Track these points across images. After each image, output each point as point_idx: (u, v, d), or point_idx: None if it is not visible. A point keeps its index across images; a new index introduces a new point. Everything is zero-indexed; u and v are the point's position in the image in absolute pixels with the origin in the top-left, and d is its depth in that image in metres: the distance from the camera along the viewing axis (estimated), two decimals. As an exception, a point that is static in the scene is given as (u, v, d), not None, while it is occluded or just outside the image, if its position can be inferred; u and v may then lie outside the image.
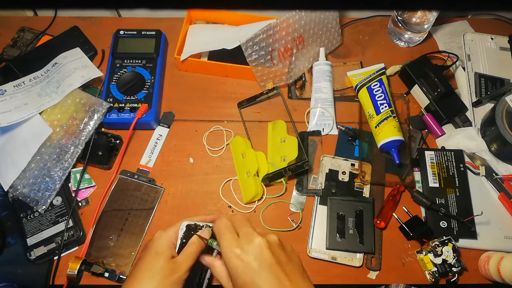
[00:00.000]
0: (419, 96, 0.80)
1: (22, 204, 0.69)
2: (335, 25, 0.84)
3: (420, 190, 0.72)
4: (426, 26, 0.83)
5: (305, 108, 0.80)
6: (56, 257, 0.66)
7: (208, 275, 0.56)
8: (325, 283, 0.67)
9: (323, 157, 0.75)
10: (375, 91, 0.76)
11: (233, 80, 0.84)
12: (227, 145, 0.77)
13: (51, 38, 0.86)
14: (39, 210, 0.68)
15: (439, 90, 0.76)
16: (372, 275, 0.67)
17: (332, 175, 0.73)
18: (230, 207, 0.72)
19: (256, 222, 0.70)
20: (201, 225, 0.54)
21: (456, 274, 0.64)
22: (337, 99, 0.81)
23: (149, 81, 0.78)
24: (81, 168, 0.72)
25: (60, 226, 0.68)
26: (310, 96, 0.81)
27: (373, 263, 0.67)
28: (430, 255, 0.65)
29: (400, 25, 0.84)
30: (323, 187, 0.72)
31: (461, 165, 0.73)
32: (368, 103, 0.76)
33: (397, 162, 0.71)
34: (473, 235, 0.68)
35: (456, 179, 0.72)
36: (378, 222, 0.68)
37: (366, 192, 0.72)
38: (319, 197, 0.71)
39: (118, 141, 0.75)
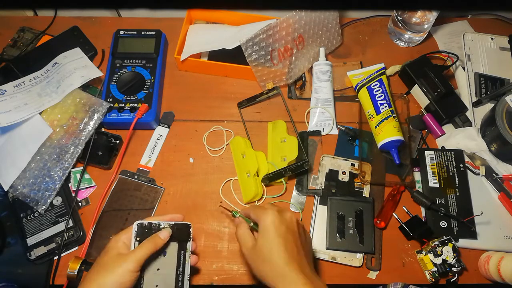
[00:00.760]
0: (419, 96, 0.80)
1: (22, 204, 0.69)
2: (335, 25, 0.84)
3: (420, 190, 0.72)
4: (426, 26, 0.83)
5: (305, 108, 0.80)
6: (56, 257, 0.66)
7: (187, 277, 0.54)
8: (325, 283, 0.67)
9: (323, 157, 0.75)
10: (375, 91, 0.76)
11: (233, 80, 0.84)
12: (227, 145, 0.77)
13: (51, 38, 0.86)
14: (39, 210, 0.68)
15: (439, 90, 0.76)
16: (372, 275, 0.67)
17: (332, 175, 0.73)
18: (221, 202, 0.72)
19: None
20: (156, 223, 0.53)
21: (456, 274, 0.64)
22: (337, 99, 0.81)
23: (149, 81, 0.78)
24: (81, 168, 0.72)
25: (60, 226, 0.68)
26: (310, 96, 0.81)
27: (373, 263, 0.67)
28: (430, 255, 0.65)
29: (400, 25, 0.84)
30: (323, 187, 0.72)
31: (461, 165, 0.73)
32: (368, 103, 0.76)
33: (397, 162, 0.71)
34: (473, 235, 0.68)
35: (456, 179, 0.72)
36: (378, 222, 0.68)
37: (366, 192, 0.72)
38: (319, 197, 0.71)
39: (118, 141, 0.75)
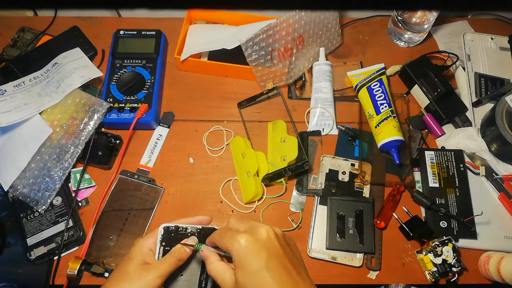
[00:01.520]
0: (419, 96, 0.80)
1: (22, 204, 0.69)
2: (335, 25, 0.84)
3: (420, 190, 0.72)
4: (426, 26, 0.83)
5: (305, 108, 0.80)
6: (56, 257, 0.66)
7: (210, 284, 0.51)
8: (325, 283, 0.67)
9: (323, 157, 0.75)
10: (375, 91, 0.76)
11: (233, 80, 0.84)
12: (227, 145, 0.77)
13: (51, 38, 0.86)
14: (39, 210, 0.68)
15: (439, 90, 0.76)
16: (372, 275, 0.67)
17: (332, 175, 0.73)
18: (221, 202, 0.72)
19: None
20: (183, 227, 0.50)
21: (456, 274, 0.64)
22: (337, 99, 0.81)
23: (149, 81, 0.78)
24: (81, 168, 0.72)
25: (60, 226, 0.68)
26: (310, 96, 0.81)
27: (373, 263, 0.67)
28: (430, 255, 0.65)
29: (400, 25, 0.84)
30: (323, 187, 0.72)
31: (461, 165, 0.73)
32: (368, 103, 0.76)
33: (397, 162, 0.71)
34: (473, 235, 0.68)
35: (456, 179, 0.72)
36: (378, 222, 0.68)
37: (366, 192, 0.72)
38: (319, 197, 0.71)
39: (118, 141, 0.75)
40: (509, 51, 0.86)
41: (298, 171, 0.69)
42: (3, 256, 0.67)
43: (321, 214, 0.70)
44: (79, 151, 0.72)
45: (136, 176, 0.73)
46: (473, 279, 0.67)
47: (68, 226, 0.67)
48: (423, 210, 0.71)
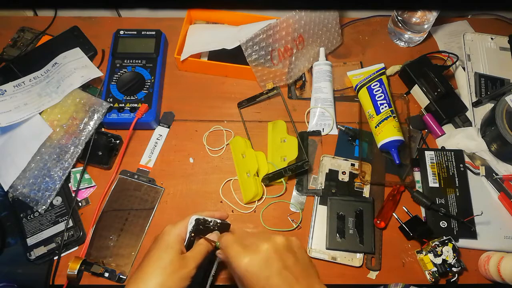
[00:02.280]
0: (419, 96, 0.80)
1: (22, 204, 0.69)
2: (335, 25, 0.84)
3: (420, 190, 0.72)
4: (426, 26, 0.83)
5: (305, 108, 0.80)
6: (56, 257, 0.66)
7: (212, 273, 0.55)
8: (325, 283, 0.66)
9: (323, 157, 0.75)
10: (375, 91, 0.76)
11: (233, 80, 0.84)
12: (227, 145, 0.77)
13: (51, 38, 0.86)
14: (39, 210, 0.68)
15: (439, 90, 0.76)
16: (372, 275, 0.67)
17: (332, 175, 0.73)
18: (221, 202, 0.72)
19: (256, 222, 0.70)
20: (209, 220, 0.53)
21: (456, 274, 0.64)
22: (337, 99, 0.81)
23: (149, 81, 0.78)
24: (81, 168, 0.72)
25: (60, 226, 0.68)
26: (310, 96, 0.81)
27: (373, 263, 0.67)
28: (430, 255, 0.65)
29: (400, 25, 0.84)
30: (323, 187, 0.72)
31: (461, 165, 0.73)
32: (368, 103, 0.76)
33: (397, 162, 0.71)
34: (473, 235, 0.68)
35: (456, 179, 0.72)
36: (378, 222, 0.68)
37: (366, 192, 0.72)
38: (319, 197, 0.71)
39: (118, 141, 0.75)
40: (509, 51, 0.86)
41: (298, 171, 0.69)
42: (3, 256, 0.67)
43: (321, 214, 0.70)
44: (79, 151, 0.72)
45: (136, 176, 0.73)
46: (473, 279, 0.67)
47: (68, 226, 0.67)
48: (423, 210, 0.71)
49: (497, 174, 0.73)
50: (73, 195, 0.71)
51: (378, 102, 0.75)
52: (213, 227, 0.54)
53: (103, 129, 0.77)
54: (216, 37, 0.82)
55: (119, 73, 0.78)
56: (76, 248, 0.68)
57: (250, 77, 0.81)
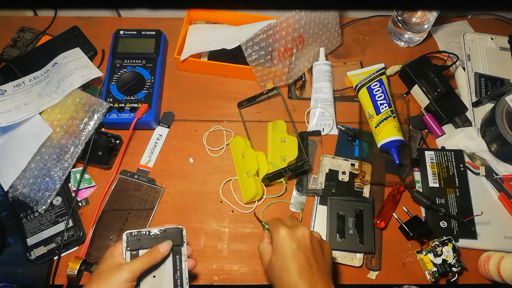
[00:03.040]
0: (419, 96, 0.80)
1: (22, 204, 0.69)
2: (335, 25, 0.84)
3: (420, 190, 0.72)
4: (426, 26, 0.83)
5: (305, 108, 0.80)
6: (56, 257, 0.66)
7: (186, 281, 0.54)
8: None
9: (323, 157, 0.75)
10: (375, 91, 0.76)
11: (233, 80, 0.84)
12: (227, 145, 0.77)
13: (51, 38, 0.86)
14: (39, 210, 0.68)
15: (439, 90, 0.76)
16: (372, 275, 0.67)
17: (332, 175, 0.73)
18: (221, 202, 0.72)
19: (256, 222, 0.70)
20: (146, 231, 0.53)
21: (456, 274, 0.64)
22: (337, 99, 0.81)
23: (149, 81, 0.78)
24: (81, 168, 0.72)
25: (60, 226, 0.68)
26: (310, 96, 0.81)
27: (373, 263, 0.67)
28: (430, 255, 0.65)
29: (400, 25, 0.84)
30: (323, 187, 0.72)
31: (461, 165, 0.73)
32: (368, 103, 0.76)
33: (397, 162, 0.71)
34: (473, 235, 0.68)
35: (456, 179, 0.72)
36: (378, 222, 0.68)
37: (366, 192, 0.72)
38: (319, 197, 0.71)
39: (118, 141, 0.75)
40: (509, 51, 0.86)
41: (298, 171, 0.69)
42: (3, 256, 0.67)
43: (321, 214, 0.70)
44: (79, 151, 0.72)
45: (136, 176, 0.73)
46: (473, 279, 0.67)
47: (68, 226, 0.67)
48: (423, 210, 0.71)
49: (497, 174, 0.73)
50: (73, 195, 0.71)
51: (378, 102, 0.75)
52: (155, 236, 0.53)
53: (103, 129, 0.77)
54: (216, 37, 0.82)
55: (119, 73, 0.78)
56: (76, 248, 0.68)
57: (250, 77, 0.81)
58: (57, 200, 0.69)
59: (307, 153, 0.73)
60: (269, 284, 0.54)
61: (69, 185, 0.72)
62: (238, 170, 0.74)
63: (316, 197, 0.71)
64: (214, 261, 0.68)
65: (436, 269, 0.64)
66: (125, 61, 0.80)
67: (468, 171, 0.73)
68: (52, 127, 0.71)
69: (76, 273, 0.62)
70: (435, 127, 0.77)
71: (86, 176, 0.73)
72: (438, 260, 0.64)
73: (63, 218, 0.68)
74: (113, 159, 0.74)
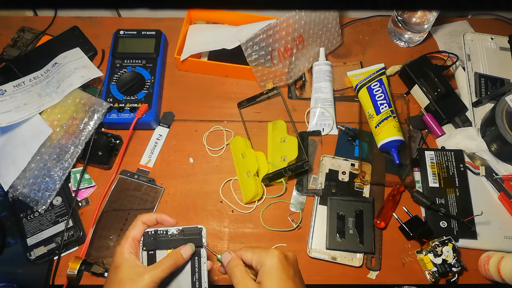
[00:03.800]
0: (419, 96, 0.80)
1: (22, 204, 0.69)
2: (335, 25, 0.84)
3: (420, 190, 0.72)
4: (426, 26, 0.83)
5: (305, 108, 0.80)
6: (56, 257, 0.66)
7: (205, 284, 0.50)
8: (325, 283, 0.67)
9: (323, 157, 0.75)
10: (375, 91, 0.76)
11: (233, 80, 0.84)
12: (227, 145, 0.77)
13: (51, 38, 0.86)
14: (39, 210, 0.68)
15: (439, 90, 0.76)
16: (372, 275, 0.67)
17: (332, 175, 0.73)
18: (221, 202, 0.72)
19: (256, 222, 0.70)
20: (163, 230, 0.50)
21: (456, 274, 0.64)
22: (337, 99, 0.81)
23: (149, 81, 0.78)
24: (81, 168, 0.72)
25: (60, 226, 0.68)
26: (310, 96, 0.81)
27: (373, 263, 0.67)
28: (430, 255, 0.65)
29: (400, 25, 0.84)
30: (323, 187, 0.72)
31: (461, 165, 0.73)
32: (368, 103, 0.76)
33: (397, 162, 0.71)
34: (473, 235, 0.68)
35: (456, 179, 0.72)
36: (378, 222, 0.68)
37: (366, 192, 0.72)
38: (319, 197, 0.71)
39: (118, 141, 0.75)
40: (509, 51, 0.86)
41: (298, 171, 0.69)
42: (3, 256, 0.67)
43: (321, 214, 0.70)
44: (79, 151, 0.72)
45: (136, 176, 0.73)
46: (473, 279, 0.67)
47: (68, 226, 0.67)
48: (423, 210, 0.71)
49: (497, 174, 0.73)
50: (73, 195, 0.71)
51: (378, 102, 0.75)
52: (172, 236, 0.50)
53: (103, 129, 0.77)
54: (216, 37, 0.82)
55: (119, 73, 0.78)
56: (76, 248, 0.68)
57: (250, 77, 0.81)
58: (57, 200, 0.69)
59: (307, 153, 0.73)
60: None
61: (69, 185, 0.72)
62: (238, 170, 0.74)
63: (316, 197, 0.71)
64: (214, 261, 0.68)
65: (436, 269, 0.64)
66: (125, 61, 0.80)
67: (468, 171, 0.73)
68: (52, 127, 0.71)
69: (76, 273, 0.62)
70: (435, 127, 0.77)
71: (86, 176, 0.73)
72: (438, 260, 0.64)
73: (63, 218, 0.68)
74: (113, 159, 0.74)
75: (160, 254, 0.50)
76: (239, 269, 0.48)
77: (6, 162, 0.70)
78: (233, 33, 0.81)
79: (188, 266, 0.50)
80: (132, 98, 0.76)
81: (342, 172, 0.74)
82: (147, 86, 0.77)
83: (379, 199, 0.72)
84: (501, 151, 0.73)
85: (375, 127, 0.74)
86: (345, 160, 0.75)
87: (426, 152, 0.74)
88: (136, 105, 0.75)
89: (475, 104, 0.79)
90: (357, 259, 0.67)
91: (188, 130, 0.79)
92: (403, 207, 0.71)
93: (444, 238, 0.65)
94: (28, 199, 0.68)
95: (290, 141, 0.73)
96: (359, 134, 0.77)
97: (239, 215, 0.71)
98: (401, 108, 0.80)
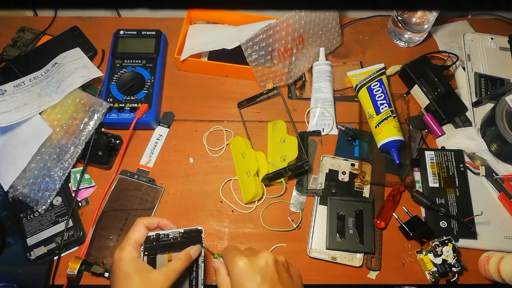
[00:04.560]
0: (419, 96, 0.80)
1: (22, 204, 0.69)
2: (335, 25, 0.84)
3: (420, 190, 0.72)
4: (426, 26, 0.83)
5: (305, 108, 0.80)
6: (56, 257, 0.66)
7: (201, 282, 0.51)
8: (325, 283, 0.67)
9: (323, 157, 0.75)
10: (375, 91, 0.76)
11: (233, 80, 0.84)
12: (227, 145, 0.77)
13: (51, 38, 0.86)
14: (39, 210, 0.68)
15: (439, 90, 0.76)
16: (372, 275, 0.67)
17: (332, 175, 0.73)
18: (221, 202, 0.72)
19: (256, 222, 0.70)
20: (164, 233, 0.50)
21: (456, 274, 0.64)
22: (337, 99, 0.81)
23: (149, 81, 0.78)
24: (81, 168, 0.72)
25: (60, 226, 0.68)
26: (310, 96, 0.81)
27: (373, 263, 0.67)
28: (430, 255, 0.65)
29: (400, 25, 0.84)
30: (323, 187, 0.72)
31: (461, 165, 0.73)
32: (368, 103, 0.76)
33: (397, 162, 0.71)
34: (473, 235, 0.68)
35: (456, 179, 0.72)
36: (378, 222, 0.68)
37: (366, 192, 0.72)
38: (319, 197, 0.71)
39: (118, 141, 0.75)
40: (509, 51, 0.86)
41: (298, 171, 0.69)
42: (3, 256, 0.67)
43: (321, 214, 0.70)
44: (79, 151, 0.72)
45: (136, 176, 0.73)
46: (473, 279, 0.67)
47: (68, 226, 0.67)
48: (423, 210, 0.71)
49: (497, 174, 0.73)
50: (73, 195, 0.71)
51: (378, 102, 0.75)
52: (174, 239, 0.50)
53: (103, 129, 0.77)
54: (216, 37, 0.82)
55: (119, 73, 0.78)
56: (76, 248, 0.68)
57: (250, 77, 0.81)
58: (57, 200, 0.69)
59: (307, 153, 0.73)
60: None
61: (69, 185, 0.72)
62: (238, 170, 0.74)
63: (316, 197, 0.71)
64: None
65: (436, 269, 0.64)
66: (125, 61, 0.80)
67: (468, 171, 0.73)
68: (52, 127, 0.71)
69: (76, 273, 0.62)
70: (435, 127, 0.77)
71: (86, 176, 0.73)
72: (438, 260, 0.64)
73: (63, 218, 0.68)
74: (113, 159, 0.74)
75: (160, 258, 0.50)
76: (219, 273, 0.47)
77: (6, 162, 0.70)
78: (233, 33, 0.81)
79: (187, 267, 0.50)
80: (132, 98, 0.76)
81: (342, 172, 0.74)
82: (147, 86, 0.77)
83: (379, 199, 0.72)
84: (501, 151, 0.73)
85: (375, 127, 0.74)
86: (345, 160, 0.75)
87: (426, 152, 0.74)
88: (136, 105, 0.75)
89: (475, 104, 0.79)
90: (357, 259, 0.67)
91: (188, 130, 0.79)
92: (403, 207, 0.71)
93: (444, 238, 0.65)
94: (28, 199, 0.68)
95: (290, 141, 0.73)
96: (359, 134, 0.77)
97: (239, 215, 0.71)
98: (401, 108, 0.80)
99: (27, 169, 0.69)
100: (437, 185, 0.72)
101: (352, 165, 0.74)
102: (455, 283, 0.64)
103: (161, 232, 0.50)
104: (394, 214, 0.70)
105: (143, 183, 0.73)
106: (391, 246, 0.69)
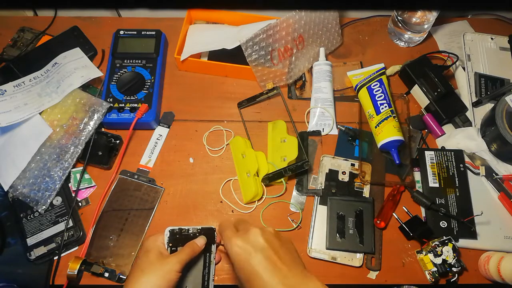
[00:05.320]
0: (419, 96, 0.80)
1: (22, 204, 0.69)
2: (335, 25, 0.84)
3: (420, 190, 0.72)
4: (426, 26, 0.83)
5: (305, 108, 0.80)
6: (56, 257, 0.66)
7: (212, 277, 0.56)
8: (325, 283, 0.66)
9: (323, 157, 0.75)
10: (375, 91, 0.76)
11: (233, 80, 0.84)
12: (227, 145, 0.77)
13: (51, 38, 0.86)
14: (39, 210, 0.68)
15: (439, 90, 0.76)
16: (372, 275, 0.67)
17: (332, 175, 0.73)
18: (221, 202, 0.72)
19: (256, 222, 0.70)
20: (185, 228, 0.55)
21: (456, 274, 0.64)
22: (337, 99, 0.81)
23: (149, 81, 0.78)
24: (81, 168, 0.72)
25: (60, 226, 0.68)
26: (310, 96, 0.81)
27: (373, 263, 0.67)
28: (430, 255, 0.65)
29: (400, 25, 0.84)
30: (323, 187, 0.72)
31: (461, 165, 0.73)
32: (368, 103, 0.76)
33: (397, 162, 0.71)
34: (473, 235, 0.68)
35: (456, 179, 0.72)
36: (378, 222, 0.68)
37: (366, 192, 0.72)
38: (319, 197, 0.71)
39: (118, 141, 0.75)
40: (509, 51, 0.86)
41: (298, 171, 0.69)
42: (3, 256, 0.67)
43: (321, 214, 0.70)
44: (79, 151, 0.72)
45: (136, 176, 0.73)
46: (473, 279, 0.67)
47: (68, 226, 0.67)
48: (423, 210, 0.71)
49: (497, 174, 0.73)
50: (73, 195, 0.71)
51: (378, 102, 0.75)
52: (193, 234, 0.55)
53: (103, 129, 0.77)
54: (216, 37, 0.82)
55: (119, 73, 0.78)
56: (76, 248, 0.68)
57: (250, 77, 0.81)
58: (57, 200, 0.69)
59: (307, 153, 0.73)
60: None
61: (69, 185, 0.72)
62: (238, 170, 0.74)
63: (316, 197, 0.71)
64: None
65: (436, 269, 0.64)
66: (125, 61, 0.80)
67: (468, 171, 0.73)
68: (52, 127, 0.71)
69: (76, 273, 0.62)
70: (435, 127, 0.77)
71: (86, 176, 0.73)
72: (438, 260, 0.64)
73: (63, 218, 0.68)
74: (113, 159, 0.74)
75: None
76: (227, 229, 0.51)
77: (6, 162, 0.70)
78: (233, 33, 0.81)
79: (201, 261, 0.55)
80: (132, 98, 0.76)
81: (342, 172, 0.74)
82: (147, 86, 0.77)
83: (379, 199, 0.72)
84: (501, 151, 0.73)
85: (375, 127, 0.74)
86: (345, 160, 0.75)
87: (426, 152, 0.74)
88: (136, 105, 0.75)
89: (475, 104, 0.79)
90: (357, 259, 0.67)
91: (188, 130, 0.79)
92: (403, 207, 0.71)
93: (444, 238, 0.65)
94: (28, 199, 0.68)
95: (290, 141, 0.73)
96: (359, 134, 0.77)
97: (239, 215, 0.71)
98: (401, 108, 0.80)
99: (27, 169, 0.69)
100: (437, 185, 0.72)
101: (352, 165, 0.74)
102: (455, 283, 0.64)
103: (182, 227, 0.55)
104: (394, 214, 0.70)
105: (143, 183, 0.73)
106: (391, 246, 0.69)
